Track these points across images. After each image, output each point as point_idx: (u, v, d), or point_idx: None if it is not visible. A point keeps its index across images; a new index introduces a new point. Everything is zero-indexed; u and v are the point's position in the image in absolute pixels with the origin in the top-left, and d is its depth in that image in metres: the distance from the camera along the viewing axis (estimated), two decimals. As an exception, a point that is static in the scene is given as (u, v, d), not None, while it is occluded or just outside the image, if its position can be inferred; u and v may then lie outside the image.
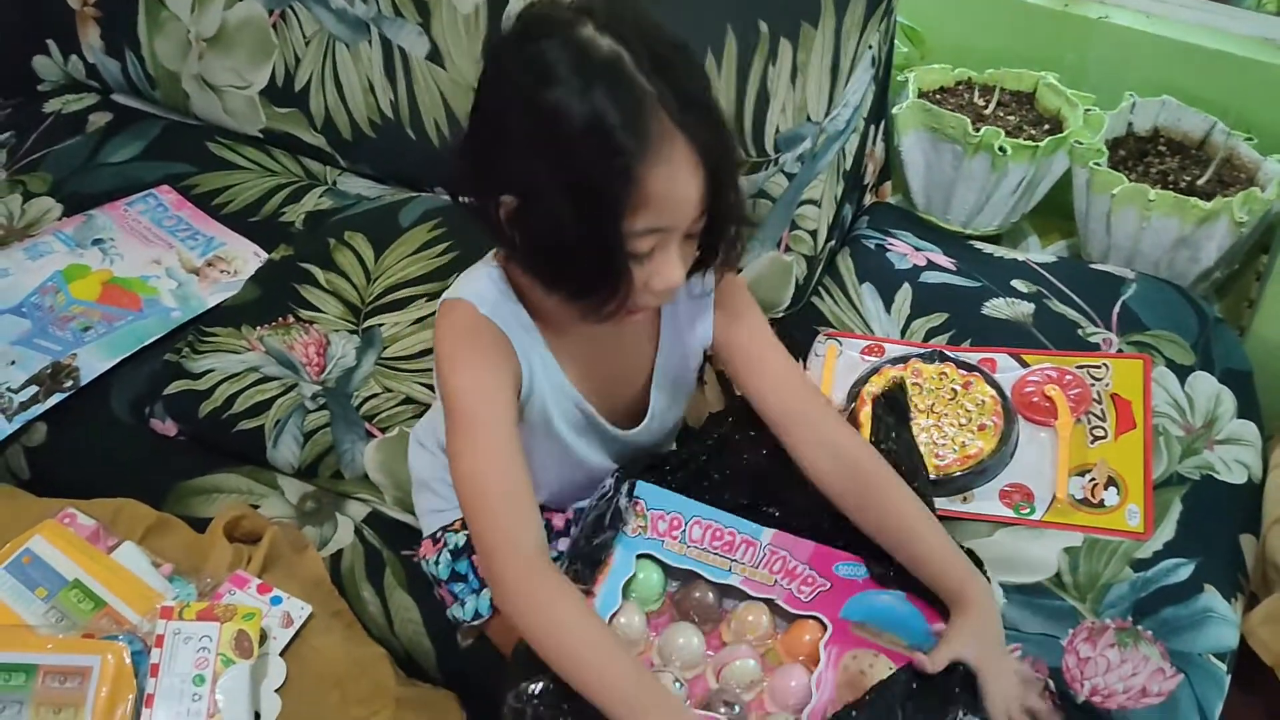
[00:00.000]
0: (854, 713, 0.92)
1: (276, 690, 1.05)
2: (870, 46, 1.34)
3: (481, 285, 0.99)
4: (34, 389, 1.34)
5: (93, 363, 1.36)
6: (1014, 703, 0.96)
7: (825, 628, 1.03)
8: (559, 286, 0.93)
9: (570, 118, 0.83)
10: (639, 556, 1.04)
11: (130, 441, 1.34)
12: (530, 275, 0.95)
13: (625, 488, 1.06)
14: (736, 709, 0.97)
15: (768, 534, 1.09)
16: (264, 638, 1.06)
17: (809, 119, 1.35)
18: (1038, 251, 1.64)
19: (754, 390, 1.08)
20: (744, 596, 1.06)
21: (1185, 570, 1.15)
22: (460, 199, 0.96)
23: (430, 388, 1.28)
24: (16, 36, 1.81)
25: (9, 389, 1.33)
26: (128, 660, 0.99)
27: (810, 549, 1.09)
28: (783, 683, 1.00)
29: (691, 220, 0.90)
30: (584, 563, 1.01)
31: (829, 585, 1.07)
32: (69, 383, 1.35)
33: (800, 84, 1.34)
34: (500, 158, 0.89)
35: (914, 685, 0.94)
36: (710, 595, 1.05)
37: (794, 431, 1.07)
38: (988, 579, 1.06)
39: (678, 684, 0.99)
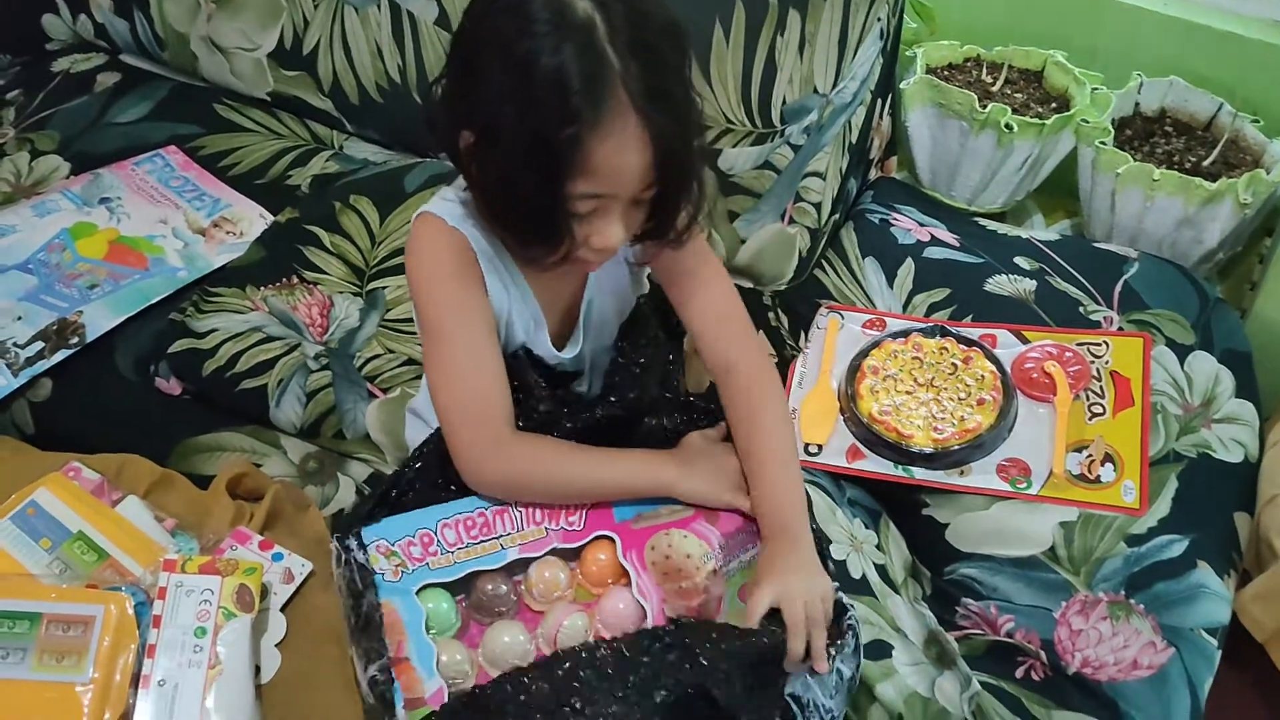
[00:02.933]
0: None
1: (276, 645, 1.06)
2: (879, 19, 1.34)
3: (451, 201, 1.03)
4: (40, 344, 1.35)
5: (98, 320, 1.37)
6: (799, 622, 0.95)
7: (614, 541, 1.05)
8: (504, 229, 0.99)
9: (536, 70, 0.85)
10: (418, 593, 1.00)
11: (134, 399, 1.35)
12: (482, 213, 0.99)
13: (353, 544, 1.01)
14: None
15: None
16: (265, 593, 1.07)
17: (816, 91, 1.35)
18: (1042, 230, 1.64)
19: (686, 314, 1.12)
20: (529, 563, 1.05)
21: (1179, 546, 1.17)
22: (429, 124, 0.98)
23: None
24: (25, -6, 1.81)
25: (15, 344, 1.34)
26: (130, 611, 1.00)
27: None
28: (611, 611, 1.01)
29: (636, 192, 0.92)
30: (368, 637, 0.97)
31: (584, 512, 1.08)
32: (75, 339, 1.35)
33: (808, 55, 1.34)
34: (468, 93, 0.92)
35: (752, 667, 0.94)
36: (498, 583, 1.03)
37: (702, 349, 1.13)
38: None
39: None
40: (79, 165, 1.61)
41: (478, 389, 1.01)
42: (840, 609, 0.98)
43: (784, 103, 1.36)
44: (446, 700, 0.94)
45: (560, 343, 1.13)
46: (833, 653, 0.95)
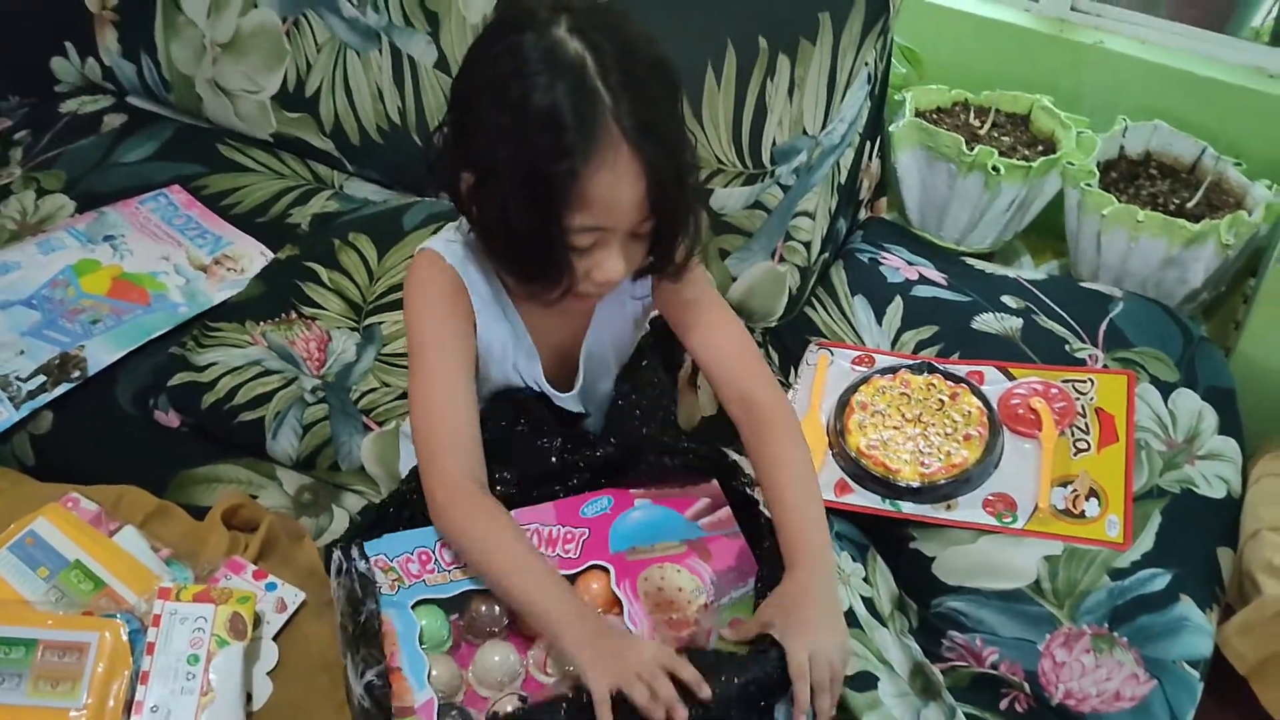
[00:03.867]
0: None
1: (269, 673, 1.07)
2: (866, 63, 1.38)
3: (451, 239, 1.06)
4: (42, 378, 1.37)
5: (100, 354, 1.40)
6: (805, 671, 0.95)
7: (608, 571, 1.06)
8: (506, 267, 1.02)
9: (531, 107, 0.88)
10: (413, 608, 1.02)
11: (134, 432, 1.37)
12: (484, 252, 1.03)
13: (355, 553, 1.03)
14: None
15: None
16: (258, 621, 1.08)
17: (805, 133, 1.39)
18: (1029, 270, 1.67)
19: (690, 345, 1.14)
20: None
21: (1162, 580, 1.18)
22: (430, 168, 1.02)
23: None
24: (35, 38, 1.85)
25: (17, 377, 1.37)
26: (125, 637, 1.01)
27: (551, 510, 1.10)
28: None
29: (633, 224, 0.95)
30: (365, 644, 0.98)
31: (587, 532, 1.09)
32: (76, 373, 1.38)
33: (797, 98, 1.37)
34: (467, 135, 0.95)
35: (747, 685, 0.95)
36: (491, 604, 1.04)
37: (714, 382, 1.14)
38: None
39: (524, 701, 0.99)
40: (84, 204, 1.64)
41: (449, 416, 1.03)
42: None
43: (774, 144, 1.40)
44: (436, 713, 0.96)
45: (562, 385, 1.15)
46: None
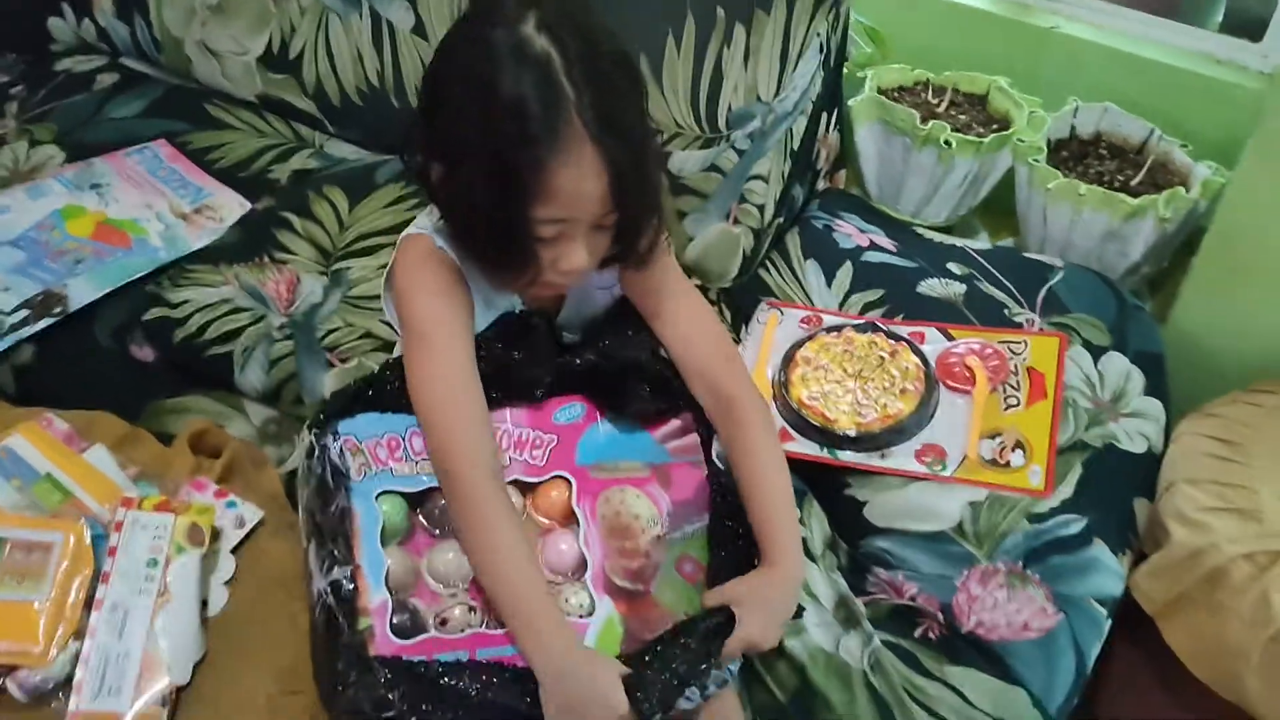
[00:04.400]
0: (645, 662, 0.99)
1: (225, 583, 1.14)
2: (819, 34, 1.44)
3: (436, 225, 1.08)
4: (25, 312, 1.43)
5: (81, 293, 1.46)
6: (743, 644, 1.02)
7: (569, 483, 1.10)
8: (474, 255, 1.04)
9: (497, 96, 0.92)
10: (377, 498, 1.05)
11: (110, 365, 1.43)
12: (453, 239, 1.06)
13: (329, 440, 1.04)
14: None
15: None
16: (217, 535, 1.15)
17: (759, 99, 1.45)
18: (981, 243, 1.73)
19: (658, 331, 1.18)
20: None
21: (1077, 525, 1.24)
22: (404, 158, 1.06)
23: (390, 326, 1.37)
24: (33, -1, 1.92)
25: (1, 311, 1.43)
26: (87, 540, 1.08)
27: (524, 413, 1.14)
28: (554, 553, 1.08)
29: (597, 216, 0.99)
30: (333, 540, 1.00)
31: (555, 439, 1.13)
32: (58, 309, 1.44)
33: (752, 66, 1.43)
34: (437, 126, 0.99)
35: (686, 641, 1.00)
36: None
37: (684, 363, 1.16)
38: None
39: (472, 610, 1.03)
40: (74, 155, 1.70)
41: (460, 399, 1.04)
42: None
43: (730, 110, 1.46)
44: (389, 615, 1.00)
45: None
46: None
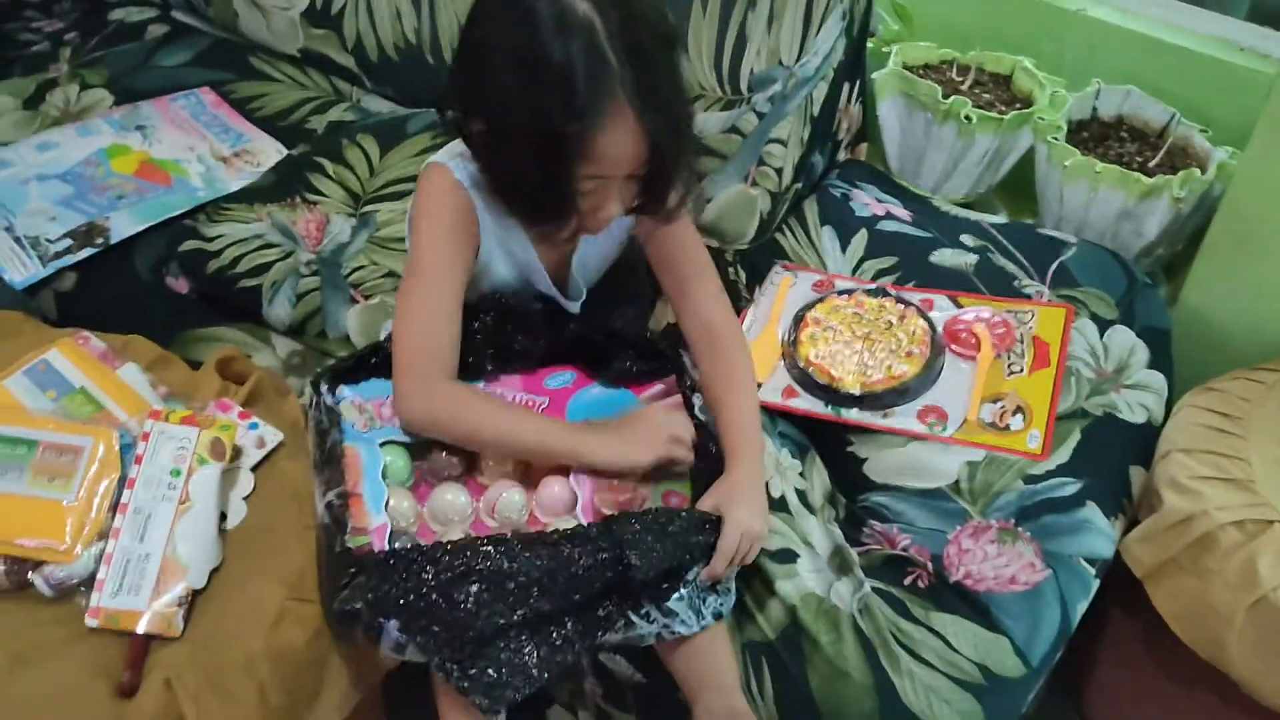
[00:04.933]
0: (632, 520, 1.06)
1: (244, 498, 1.19)
2: (841, 1, 1.47)
3: (463, 161, 1.13)
4: (68, 242, 1.50)
5: (122, 226, 1.52)
6: (733, 550, 1.09)
7: (568, 481, 1.16)
8: (514, 208, 1.10)
9: (543, 69, 0.96)
10: (381, 446, 1.14)
11: (147, 295, 1.50)
12: (490, 189, 1.11)
13: (325, 388, 1.16)
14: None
15: (479, 384, 1.21)
16: (238, 452, 1.20)
17: (781, 63, 1.48)
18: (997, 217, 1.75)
19: (663, 280, 1.26)
20: None
21: (1072, 488, 1.27)
22: (441, 112, 1.11)
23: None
24: (90, -52, 1.99)
25: (47, 239, 1.50)
26: (116, 446, 1.14)
27: (518, 380, 1.23)
28: (547, 495, 1.14)
29: (631, 171, 1.04)
30: (328, 468, 1.11)
31: (547, 401, 1.22)
32: (100, 240, 1.51)
33: (775, 30, 1.47)
34: (478, 87, 1.03)
35: (670, 527, 1.07)
36: (450, 452, 1.16)
37: (678, 303, 1.25)
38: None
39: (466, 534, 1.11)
40: (122, 99, 1.77)
41: (430, 332, 1.12)
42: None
43: (752, 73, 1.49)
44: (389, 535, 1.07)
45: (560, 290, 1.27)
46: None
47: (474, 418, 1.13)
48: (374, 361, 1.20)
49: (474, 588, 1.01)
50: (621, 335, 1.28)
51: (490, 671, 1.00)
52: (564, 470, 1.17)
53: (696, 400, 1.22)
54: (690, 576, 1.09)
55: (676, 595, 1.06)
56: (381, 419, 1.17)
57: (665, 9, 1.05)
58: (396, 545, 1.08)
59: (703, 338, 1.23)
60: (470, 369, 1.19)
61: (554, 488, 1.16)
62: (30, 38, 1.91)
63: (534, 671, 1.02)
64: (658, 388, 1.27)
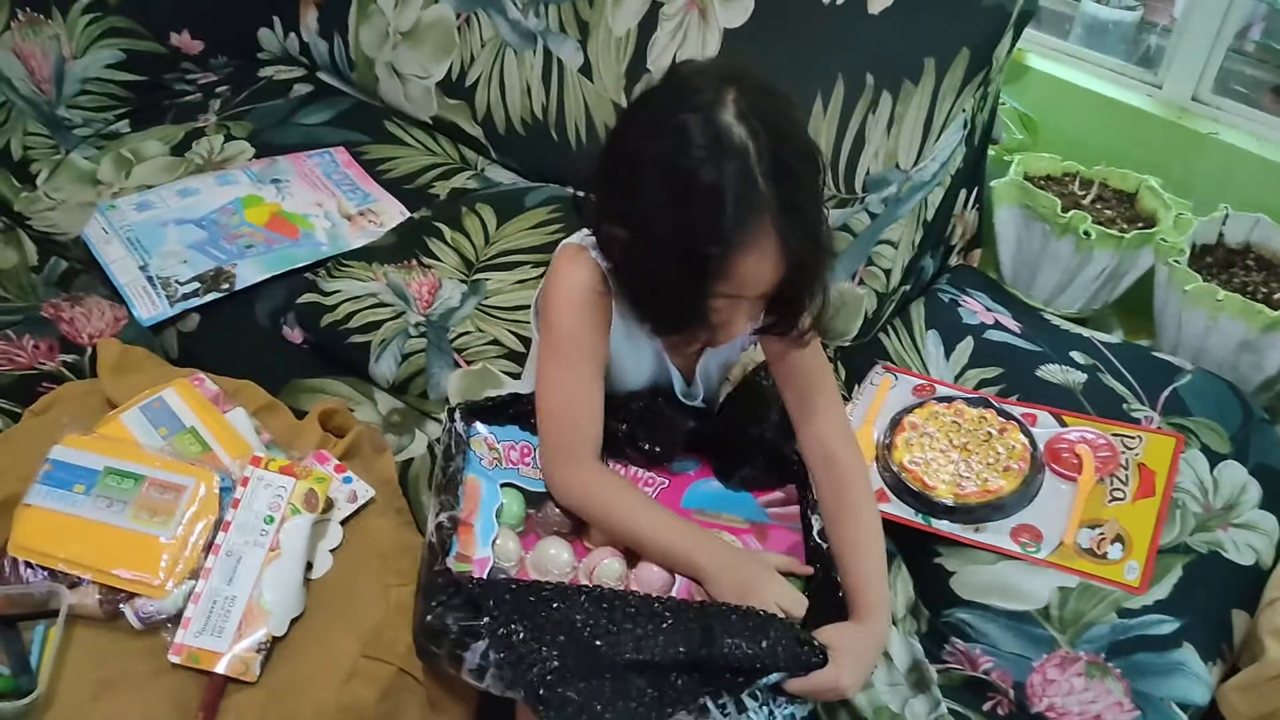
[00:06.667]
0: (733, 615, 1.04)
1: (331, 550, 1.22)
2: (964, 110, 1.47)
3: (595, 245, 1.12)
4: (196, 285, 1.57)
5: (248, 274, 1.59)
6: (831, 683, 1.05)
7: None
8: (647, 317, 1.09)
9: (694, 187, 0.95)
10: (502, 486, 1.16)
11: (263, 342, 1.55)
12: (623, 294, 1.11)
13: (459, 415, 1.19)
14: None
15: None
16: (330, 505, 1.23)
17: (898, 166, 1.49)
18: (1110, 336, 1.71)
19: (789, 401, 1.23)
20: None
21: (1169, 626, 1.22)
22: (581, 214, 1.12)
23: (518, 336, 1.45)
24: (249, 9, 2.11)
25: (177, 280, 1.57)
26: (216, 489, 1.18)
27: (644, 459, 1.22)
28: (646, 573, 1.12)
29: (765, 293, 1.03)
30: (446, 491, 1.12)
31: (667, 483, 1.21)
32: (225, 285, 1.57)
33: (894, 133, 1.47)
34: (623, 196, 1.02)
35: (769, 628, 1.04)
36: (564, 510, 1.17)
37: (799, 423, 1.21)
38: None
39: None
40: (262, 152, 1.86)
41: (576, 411, 1.14)
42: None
43: (868, 173, 1.50)
44: (489, 571, 1.09)
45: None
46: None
47: (614, 508, 1.13)
48: (512, 412, 1.23)
49: (561, 638, 1.01)
50: (756, 441, 1.27)
51: (569, 710, 0.99)
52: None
53: (815, 522, 1.19)
54: (770, 680, 1.07)
55: (750, 693, 1.04)
56: (509, 462, 1.20)
57: (808, 131, 1.02)
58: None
59: (821, 462, 1.20)
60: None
61: (653, 569, 1.15)
62: (185, 88, 2.02)
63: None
64: (777, 494, 1.25)
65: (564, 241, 1.17)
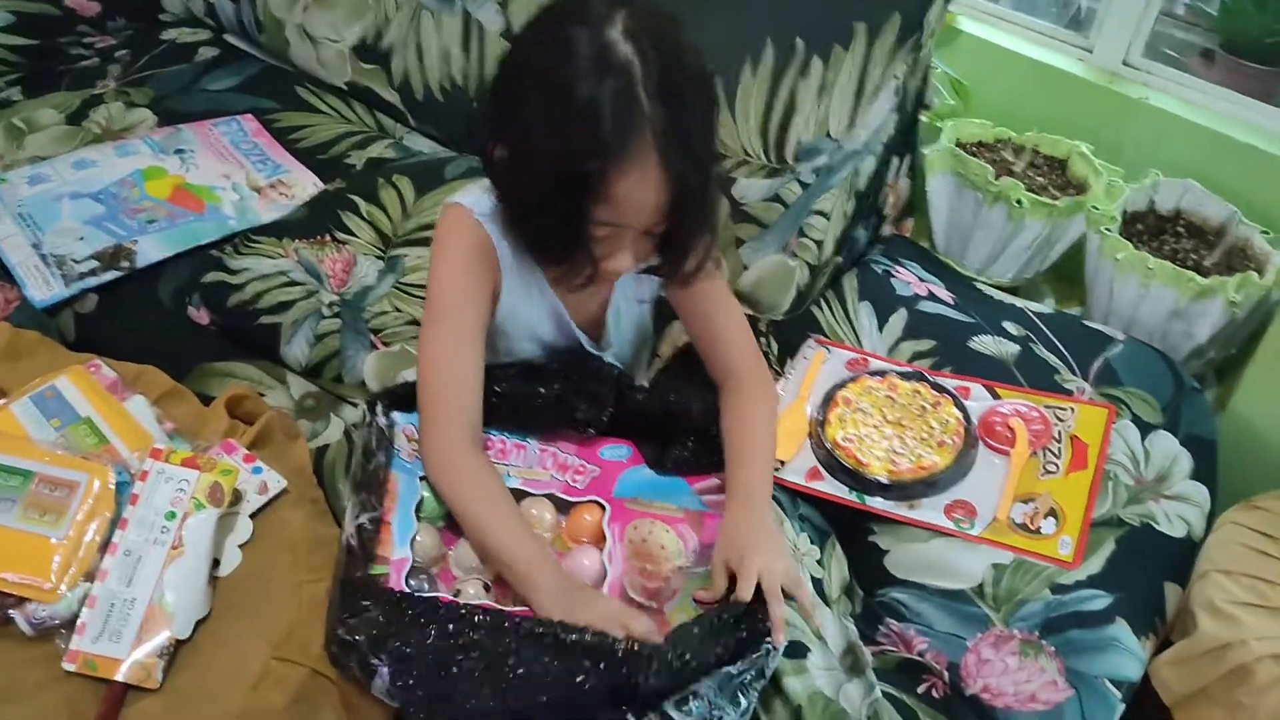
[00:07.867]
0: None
1: (240, 545, 1.16)
2: (895, 77, 1.43)
3: (482, 196, 1.11)
4: (94, 263, 1.48)
5: (150, 251, 1.51)
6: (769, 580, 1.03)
7: (604, 508, 1.13)
8: (525, 241, 1.07)
9: (573, 100, 0.93)
10: (421, 478, 1.12)
11: (167, 324, 1.48)
12: (507, 226, 1.08)
13: (380, 409, 1.14)
14: None
15: (533, 440, 1.18)
16: (238, 497, 1.17)
17: (829, 135, 1.44)
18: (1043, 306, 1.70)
19: (691, 328, 1.24)
20: (524, 495, 1.14)
21: (1101, 601, 1.20)
22: (473, 133, 1.09)
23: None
24: (150, -31, 2.00)
25: (73, 259, 1.48)
26: (111, 484, 1.11)
27: (574, 445, 1.20)
28: (577, 563, 1.10)
29: (649, 225, 1.00)
30: (367, 490, 1.08)
31: (598, 471, 1.18)
32: (125, 263, 1.49)
33: (825, 101, 1.43)
34: (508, 112, 1.00)
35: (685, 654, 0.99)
36: None
37: (709, 358, 1.23)
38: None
39: (485, 587, 1.07)
40: (164, 120, 1.77)
41: (450, 371, 1.09)
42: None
43: (798, 142, 1.46)
44: (407, 572, 1.04)
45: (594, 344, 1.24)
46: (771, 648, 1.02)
47: (470, 504, 1.08)
48: None
49: (470, 664, 0.96)
50: (686, 419, 1.23)
51: None
52: (599, 542, 1.13)
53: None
54: (702, 689, 1.03)
55: (687, 709, 1.00)
56: None
57: (706, 64, 0.99)
58: (413, 584, 1.05)
59: (722, 377, 1.21)
60: (530, 426, 1.18)
61: (583, 560, 1.12)
62: (81, 53, 1.92)
63: None
64: (712, 481, 1.22)
65: (446, 199, 1.14)
